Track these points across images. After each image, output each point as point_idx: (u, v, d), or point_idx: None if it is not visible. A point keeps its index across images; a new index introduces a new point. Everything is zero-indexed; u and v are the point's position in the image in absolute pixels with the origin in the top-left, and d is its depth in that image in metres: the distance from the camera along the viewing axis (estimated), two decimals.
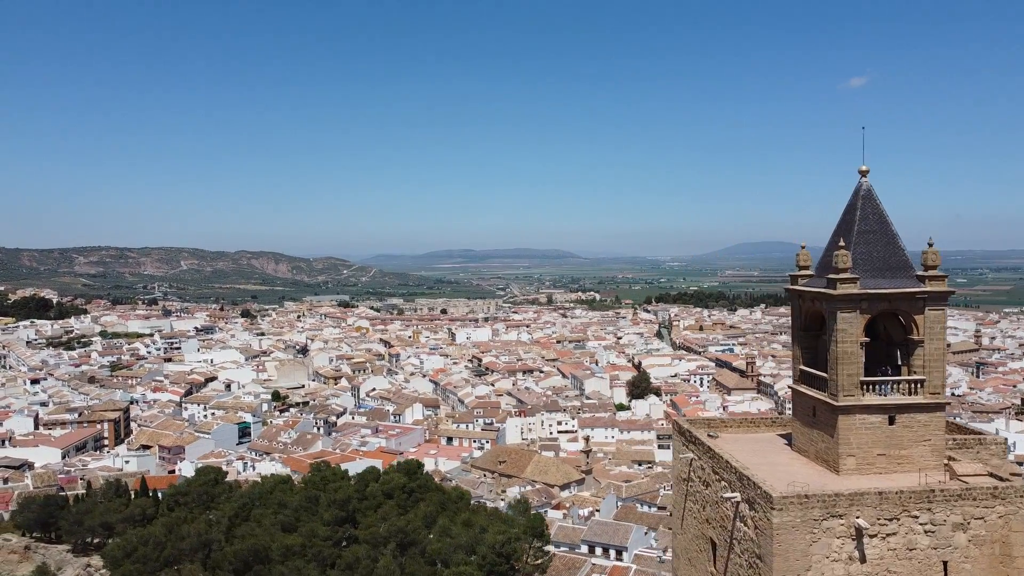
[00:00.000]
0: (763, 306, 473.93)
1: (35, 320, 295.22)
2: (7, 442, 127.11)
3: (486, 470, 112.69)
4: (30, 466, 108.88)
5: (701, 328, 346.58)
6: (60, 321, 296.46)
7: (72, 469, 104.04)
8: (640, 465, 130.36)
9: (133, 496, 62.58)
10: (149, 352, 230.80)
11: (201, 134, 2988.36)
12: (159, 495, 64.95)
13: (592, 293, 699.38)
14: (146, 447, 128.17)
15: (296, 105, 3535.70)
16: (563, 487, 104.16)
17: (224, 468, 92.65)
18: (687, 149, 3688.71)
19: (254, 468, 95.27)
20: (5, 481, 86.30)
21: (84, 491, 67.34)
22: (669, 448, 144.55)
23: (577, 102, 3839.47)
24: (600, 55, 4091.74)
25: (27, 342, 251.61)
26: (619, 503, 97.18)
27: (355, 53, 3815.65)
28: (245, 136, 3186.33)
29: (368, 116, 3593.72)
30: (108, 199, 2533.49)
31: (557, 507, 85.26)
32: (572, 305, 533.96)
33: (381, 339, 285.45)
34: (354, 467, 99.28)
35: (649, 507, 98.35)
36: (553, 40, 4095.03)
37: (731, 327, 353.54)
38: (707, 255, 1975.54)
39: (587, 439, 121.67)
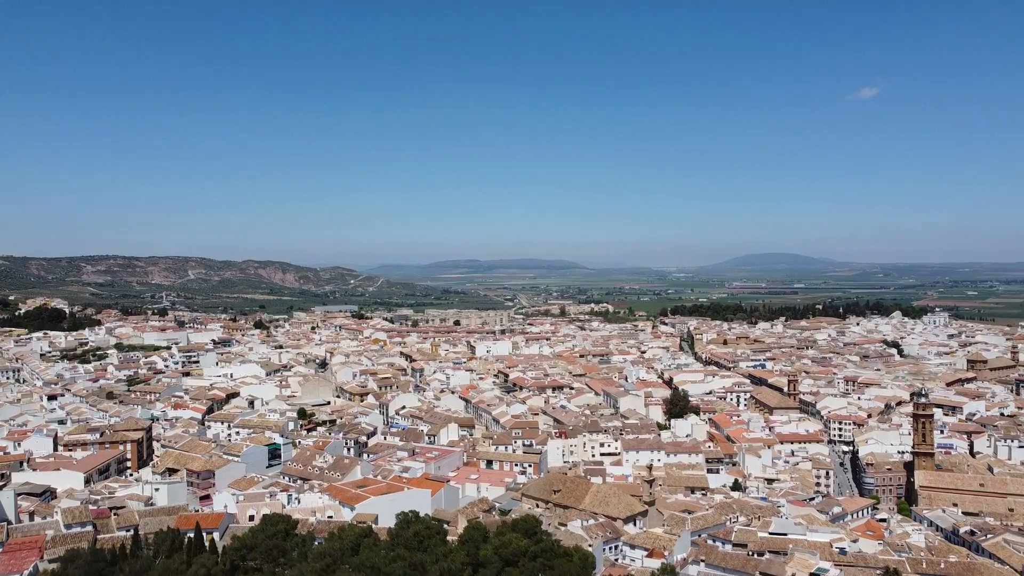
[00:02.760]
0: (783, 319, 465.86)
1: (48, 331, 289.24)
2: (26, 463, 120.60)
3: (539, 499, 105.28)
4: (53, 493, 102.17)
5: (725, 342, 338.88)
6: (74, 333, 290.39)
7: (99, 497, 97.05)
8: (693, 492, 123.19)
9: (186, 542, 55.49)
10: (167, 366, 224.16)
11: (208, 143, 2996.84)
12: (216, 542, 57.92)
13: (605, 305, 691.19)
14: (172, 470, 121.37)
15: (303, 115, 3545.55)
16: (626, 520, 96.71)
17: (267, 500, 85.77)
18: (693, 159, 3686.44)
19: (298, 501, 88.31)
20: (31, 516, 79.34)
21: (128, 530, 60.54)
22: (719, 472, 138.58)
23: (582, 112, 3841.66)
24: (606, 65, 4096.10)
25: (41, 354, 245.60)
26: (691, 540, 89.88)
27: (361, 63, 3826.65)
28: (252, 145, 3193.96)
29: (374, 126, 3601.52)
30: (115, 208, 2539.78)
31: (652, 554, 77.74)
32: (587, 317, 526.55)
33: (402, 352, 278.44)
34: (404, 498, 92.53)
35: (722, 543, 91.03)
36: (558, 51, 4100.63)
37: (755, 341, 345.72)
38: (713, 266, 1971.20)
39: (650, 467, 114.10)
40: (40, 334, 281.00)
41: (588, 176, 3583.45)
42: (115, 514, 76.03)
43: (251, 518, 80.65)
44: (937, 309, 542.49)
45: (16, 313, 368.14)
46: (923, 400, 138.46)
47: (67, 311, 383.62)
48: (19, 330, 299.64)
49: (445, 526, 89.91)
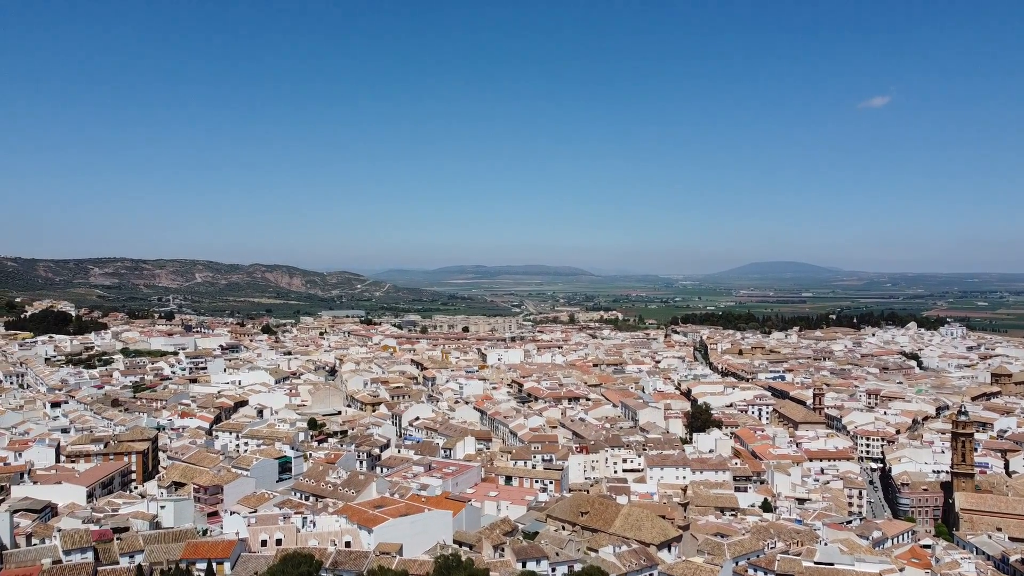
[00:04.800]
0: (797, 329, 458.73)
1: (54, 335, 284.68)
2: (26, 475, 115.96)
3: (565, 521, 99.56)
4: (54, 510, 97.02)
5: (741, 352, 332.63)
6: (80, 337, 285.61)
7: (101, 515, 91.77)
8: (723, 512, 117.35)
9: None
10: (174, 372, 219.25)
11: (217, 147, 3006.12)
12: None
13: (614, 312, 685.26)
14: (178, 484, 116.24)
15: (311, 119, 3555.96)
16: (660, 546, 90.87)
17: (280, 524, 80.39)
18: (700, 167, 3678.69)
19: (313, 524, 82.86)
20: (29, 539, 74.06)
21: (131, 557, 55.36)
22: (747, 491, 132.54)
23: (588, 119, 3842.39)
24: (615, 71, 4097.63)
25: (46, 359, 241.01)
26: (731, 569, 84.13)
27: (369, 67, 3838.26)
28: (260, 149, 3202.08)
29: (382, 130, 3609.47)
30: (123, 210, 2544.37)
31: None
32: (598, 325, 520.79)
33: (412, 360, 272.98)
34: (424, 520, 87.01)
35: (764, 573, 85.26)
36: (567, 56, 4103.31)
37: (771, 351, 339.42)
38: (720, 274, 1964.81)
39: (685, 489, 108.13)
40: (45, 337, 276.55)
41: (594, 183, 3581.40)
42: (118, 538, 70.82)
43: (263, 543, 75.35)
44: (948, 320, 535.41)
45: (22, 315, 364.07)
46: (963, 418, 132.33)
47: (73, 314, 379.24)
48: (24, 333, 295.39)
49: (469, 550, 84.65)
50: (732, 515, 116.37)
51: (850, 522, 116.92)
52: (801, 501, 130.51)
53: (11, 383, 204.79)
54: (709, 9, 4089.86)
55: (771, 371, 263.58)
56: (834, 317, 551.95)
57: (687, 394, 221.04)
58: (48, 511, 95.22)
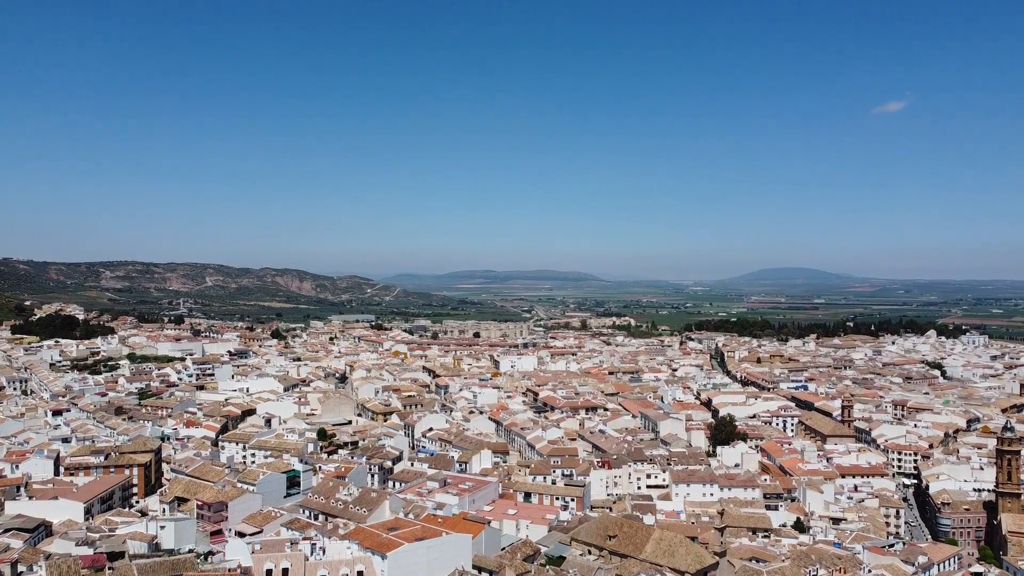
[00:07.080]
0: (814, 336, 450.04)
1: (60, 340, 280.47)
2: (23, 488, 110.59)
3: (591, 545, 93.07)
4: (48, 528, 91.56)
5: (759, 360, 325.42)
6: (86, 341, 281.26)
7: (97, 536, 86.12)
8: (755, 533, 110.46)
9: None
10: (180, 379, 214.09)
11: (228, 151, 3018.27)
12: None
13: (626, 318, 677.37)
14: (181, 500, 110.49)
15: (321, 124, 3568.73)
16: (695, 575, 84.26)
17: (287, 551, 74.32)
18: (711, 172, 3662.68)
19: (323, 551, 76.91)
20: (15, 567, 68.14)
21: None
22: (778, 509, 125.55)
23: (597, 123, 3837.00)
24: (624, 77, 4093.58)
25: (51, 364, 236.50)
26: None
27: (378, 72, 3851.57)
28: (271, 154, 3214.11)
29: (392, 136, 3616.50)
30: (135, 214, 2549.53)
31: None
32: (611, 331, 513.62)
33: (424, 367, 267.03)
34: (442, 545, 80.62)
35: None
36: (577, 61, 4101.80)
37: (789, 359, 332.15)
38: (730, 280, 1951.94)
39: (721, 512, 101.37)
40: (51, 342, 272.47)
41: (603, 188, 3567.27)
42: (110, 568, 65.10)
43: (268, 573, 69.37)
44: (966, 328, 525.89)
45: (29, 319, 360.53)
46: (1009, 434, 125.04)
47: (80, 318, 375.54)
48: (30, 337, 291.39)
49: None
50: (766, 536, 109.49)
51: (892, 545, 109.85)
52: (836, 521, 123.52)
53: (14, 389, 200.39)
54: (720, 12, 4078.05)
55: (792, 380, 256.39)
56: (851, 324, 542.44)
57: (707, 404, 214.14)
58: (42, 530, 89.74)
